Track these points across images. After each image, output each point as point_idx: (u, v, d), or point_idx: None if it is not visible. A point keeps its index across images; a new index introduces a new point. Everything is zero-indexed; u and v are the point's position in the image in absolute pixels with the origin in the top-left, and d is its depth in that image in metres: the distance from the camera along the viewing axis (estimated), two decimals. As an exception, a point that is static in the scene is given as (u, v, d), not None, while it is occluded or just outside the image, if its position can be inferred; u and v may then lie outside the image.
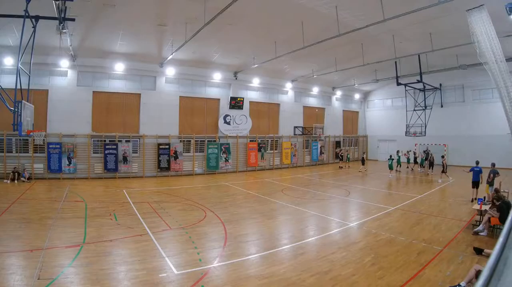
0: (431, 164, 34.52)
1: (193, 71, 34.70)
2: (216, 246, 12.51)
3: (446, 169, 29.74)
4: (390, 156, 34.25)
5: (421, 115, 40.61)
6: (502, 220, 12.69)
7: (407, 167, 36.86)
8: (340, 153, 44.80)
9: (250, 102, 39.80)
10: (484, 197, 15.97)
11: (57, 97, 28.53)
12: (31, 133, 17.98)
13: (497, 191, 15.17)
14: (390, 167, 33.45)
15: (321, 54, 31.73)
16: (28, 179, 26.42)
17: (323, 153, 47.05)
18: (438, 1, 17.37)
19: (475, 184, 20.60)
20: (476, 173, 20.58)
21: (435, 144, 43.46)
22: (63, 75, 29.04)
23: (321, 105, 49.03)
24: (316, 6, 21.73)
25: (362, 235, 14.11)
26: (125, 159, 30.49)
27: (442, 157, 32.49)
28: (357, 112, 55.57)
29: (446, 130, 42.81)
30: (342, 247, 12.45)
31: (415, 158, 37.66)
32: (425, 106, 40.71)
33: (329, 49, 29.50)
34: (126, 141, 31.13)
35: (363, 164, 38.22)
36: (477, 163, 21.54)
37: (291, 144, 42.96)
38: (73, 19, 17.62)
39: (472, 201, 20.21)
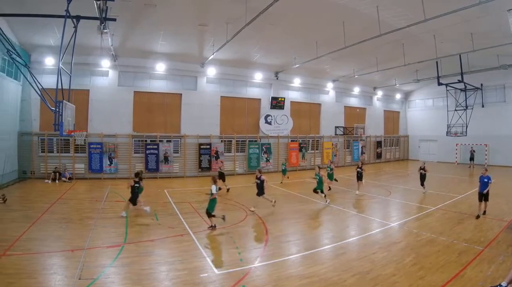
0: (423, 178, 23.65)
1: (234, 71, 34.75)
2: (257, 245, 12.66)
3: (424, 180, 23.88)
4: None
5: (462, 115, 39.84)
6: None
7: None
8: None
9: (291, 102, 39.57)
10: None
11: (98, 97, 29.01)
12: (72, 134, 18.14)
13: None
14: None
15: (362, 54, 31.35)
16: (69, 179, 26.90)
17: (364, 153, 46.68)
18: (479, 1, 17.03)
19: (482, 196, 16.85)
20: (484, 183, 16.76)
21: (476, 144, 42.84)
22: (104, 75, 29.53)
23: (362, 105, 48.44)
24: (357, 6, 21.44)
25: (403, 235, 14.12)
26: (166, 159, 30.65)
27: (422, 168, 23.88)
28: (398, 112, 54.69)
29: (487, 130, 42.00)
30: (383, 247, 12.45)
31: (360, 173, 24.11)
32: (466, 106, 39.95)
33: (370, 49, 29.14)
34: (167, 141, 31.32)
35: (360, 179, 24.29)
36: (486, 169, 17.48)
37: (332, 144, 42.66)
38: (114, 19, 17.62)
39: (477, 217, 16.53)
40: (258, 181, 18.20)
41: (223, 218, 14.76)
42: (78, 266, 9.93)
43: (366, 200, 21.68)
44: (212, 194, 14.57)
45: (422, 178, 23.32)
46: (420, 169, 23.25)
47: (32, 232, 13.31)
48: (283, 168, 28.89)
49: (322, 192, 19.91)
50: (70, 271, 9.66)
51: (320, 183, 19.83)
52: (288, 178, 29.16)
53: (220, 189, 21.78)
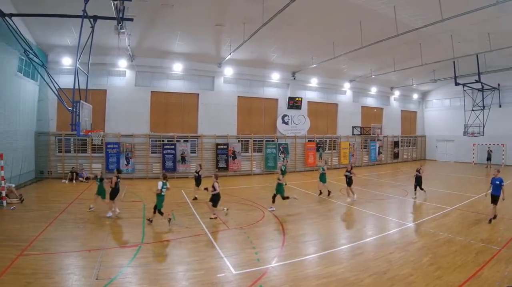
0: (419, 182, 21.97)
1: (251, 71, 34.69)
2: (274, 246, 12.59)
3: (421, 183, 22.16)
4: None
5: (479, 115, 39.69)
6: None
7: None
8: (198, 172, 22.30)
9: (308, 102, 39.43)
10: None
11: (115, 97, 29.17)
12: (89, 134, 18.13)
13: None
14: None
15: (379, 54, 31.16)
16: (86, 178, 27.03)
17: (381, 153, 46.37)
18: (496, 1, 17.01)
19: (494, 199, 16.12)
20: (496, 185, 16.12)
21: (493, 144, 42.53)
22: (121, 75, 29.67)
23: (379, 105, 48.11)
24: (374, 6, 21.39)
25: (420, 235, 14.14)
26: (183, 159, 30.72)
27: (418, 170, 22.42)
28: (415, 112, 54.33)
29: (505, 131, 41.78)
30: (400, 247, 12.47)
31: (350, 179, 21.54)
32: (483, 106, 39.69)
33: (387, 49, 28.90)
34: (184, 141, 31.38)
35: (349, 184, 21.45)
36: (498, 171, 16.75)
37: (349, 144, 42.43)
38: (131, 19, 17.63)
39: (490, 221, 15.83)
40: (213, 189, 16.11)
41: (169, 221, 14.70)
42: (95, 266, 9.96)
43: (383, 200, 21.54)
44: (157, 189, 14.59)
45: (418, 181, 21.82)
46: (416, 171, 22.25)
47: (49, 232, 13.40)
48: (283, 169, 24.39)
49: (283, 198, 18.39)
50: (87, 271, 9.68)
51: (280, 187, 18.46)
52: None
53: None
